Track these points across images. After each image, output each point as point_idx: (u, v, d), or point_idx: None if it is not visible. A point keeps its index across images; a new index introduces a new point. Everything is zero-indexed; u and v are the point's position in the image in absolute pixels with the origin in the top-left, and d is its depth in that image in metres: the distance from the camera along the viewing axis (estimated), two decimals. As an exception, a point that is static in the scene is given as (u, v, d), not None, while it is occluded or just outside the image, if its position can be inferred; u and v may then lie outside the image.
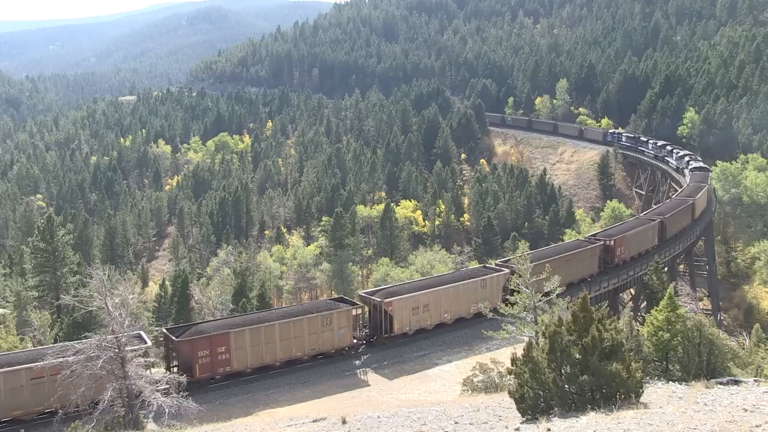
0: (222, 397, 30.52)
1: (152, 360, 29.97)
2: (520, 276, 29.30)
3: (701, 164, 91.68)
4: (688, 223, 66.39)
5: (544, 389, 16.85)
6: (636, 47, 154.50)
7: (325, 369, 33.89)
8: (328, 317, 34.58)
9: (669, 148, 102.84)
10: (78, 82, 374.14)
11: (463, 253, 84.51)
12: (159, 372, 30.05)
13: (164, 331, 33.07)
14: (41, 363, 25.29)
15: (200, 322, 35.68)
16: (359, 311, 36.56)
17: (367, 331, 37.26)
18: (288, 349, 33.50)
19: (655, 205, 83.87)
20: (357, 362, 34.98)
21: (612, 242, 50.99)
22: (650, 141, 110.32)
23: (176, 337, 31.36)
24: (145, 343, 29.70)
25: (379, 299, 36.69)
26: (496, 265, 44.39)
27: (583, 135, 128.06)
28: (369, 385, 32.24)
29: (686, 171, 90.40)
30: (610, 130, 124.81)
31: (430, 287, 39.17)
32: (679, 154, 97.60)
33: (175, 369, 30.86)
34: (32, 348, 33.90)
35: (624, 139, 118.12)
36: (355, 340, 35.83)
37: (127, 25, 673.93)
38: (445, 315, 38.87)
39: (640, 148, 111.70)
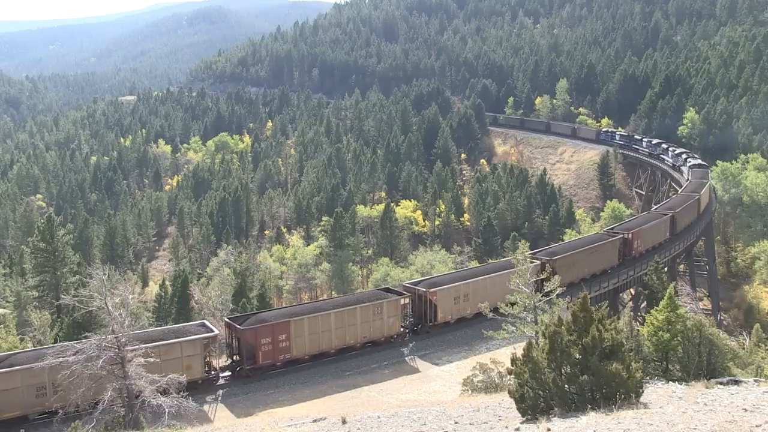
0: (222, 396, 30.53)
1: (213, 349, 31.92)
2: (520, 276, 29.31)
3: (699, 161, 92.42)
4: (695, 217, 68.90)
5: (544, 389, 16.85)
6: (636, 47, 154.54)
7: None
8: (379, 306, 36.16)
9: (664, 146, 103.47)
10: (78, 82, 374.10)
11: (463, 253, 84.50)
12: (222, 360, 33.19)
13: (227, 320, 34.24)
14: None
15: (261, 311, 37.17)
16: (407, 300, 38.22)
17: (411, 319, 38.60)
18: (342, 337, 34.99)
19: (655, 204, 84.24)
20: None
21: (630, 235, 53.32)
22: (644, 139, 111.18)
23: (240, 326, 32.52)
24: (212, 331, 31.58)
25: (424, 289, 38.31)
26: (530, 255, 45.68)
27: (576, 134, 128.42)
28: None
29: (684, 168, 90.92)
30: (603, 129, 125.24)
31: (469, 278, 41.11)
32: (676, 152, 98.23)
33: (236, 357, 32.69)
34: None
35: (618, 137, 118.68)
36: (402, 329, 37.27)
37: (127, 25, 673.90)
38: (483, 303, 39.87)
39: (634, 146, 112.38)
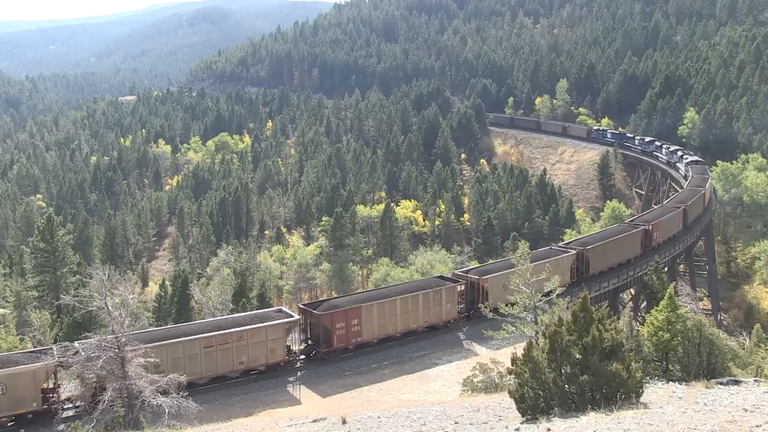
0: (222, 397, 30.51)
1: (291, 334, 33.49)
2: (520, 276, 29.31)
3: (696, 158, 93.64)
4: (701, 210, 72.16)
5: (544, 389, 16.85)
6: (636, 47, 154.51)
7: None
8: (439, 293, 38.19)
9: (658, 143, 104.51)
10: (78, 82, 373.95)
11: (463, 253, 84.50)
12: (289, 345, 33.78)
13: (301, 306, 36.18)
14: (213, 333, 30.45)
15: (332, 298, 39.87)
16: (463, 287, 39.90)
17: (462, 305, 40.35)
18: (406, 321, 37.02)
19: (655, 204, 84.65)
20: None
21: (650, 227, 56.09)
22: (637, 137, 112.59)
23: (316, 311, 34.46)
24: (291, 316, 33.22)
25: (476, 277, 40.39)
26: (562, 247, 50.55)
27: (566, 132, 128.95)
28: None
29: (680, 165, 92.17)
30: (594, 127, 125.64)
31: (514, 266, 42.59)
32: (671, 149, 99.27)
33: (310, 341, 34.54)
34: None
35: (609, 135, 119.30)
36: (458, 314, 39.52)
37: (127, 25, 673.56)
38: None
39: (626, 144, 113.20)
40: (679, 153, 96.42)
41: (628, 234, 53.66)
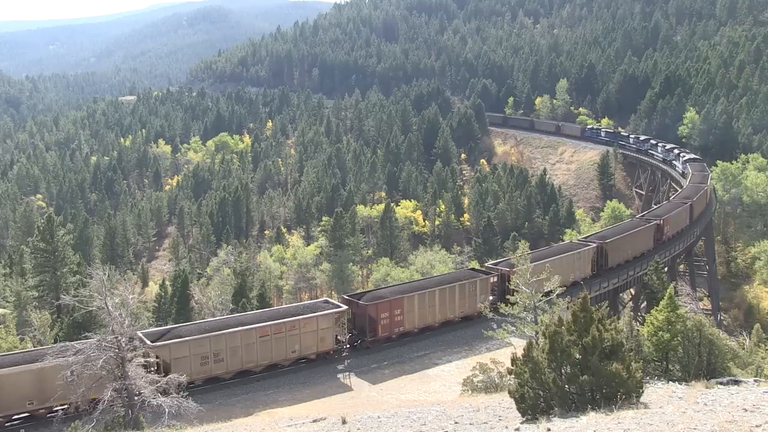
0: (222, 397, 30.52)
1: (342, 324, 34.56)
2: (520, 276, 29.32)
3: (693, 155, 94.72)
4: (705, 205, 74.70)
5: (544, 389, 16.85)
6: (636, 47, 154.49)
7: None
8: (474, 284, 39.47)
9: (653, 141, 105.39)
10: (78, 82, 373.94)
11: (463, 253, 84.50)
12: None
13: (346, 297, 37.31)
14: (268, 323, 31.95)
15: (373, 289, 41.51)
16: (495, 279, 41.12)
17: (491, 297, 40.98)
18: (444, 312, 38.07)
19: (655, 204, 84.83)
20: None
21: (662, 221, 58.38)
22: (631, 136, 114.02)
23: (361, 302, 35.70)
24: (338, 307, 34.52)
25: (506, 269, 41.18)
26: (582, 241, 52.68)
27: (560, 131, 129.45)
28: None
29: (677, 162, 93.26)
30: (588, 126, 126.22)
31: (543, 258, 44.32)
32: (666, 147, 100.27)
33: (354, 331, 35.45)
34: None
35: (603, 134, 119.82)
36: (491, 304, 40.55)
37: (127, 25, 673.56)
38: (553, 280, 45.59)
39: (620, 142, 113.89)
40: (676, 151, 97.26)
41: (642, 228, 55.73)
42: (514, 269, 39.97)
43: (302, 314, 33.39)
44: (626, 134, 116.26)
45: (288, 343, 32.56)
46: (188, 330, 31.51)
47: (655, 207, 73.95)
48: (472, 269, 44.34)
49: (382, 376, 33.40)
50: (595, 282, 47.85)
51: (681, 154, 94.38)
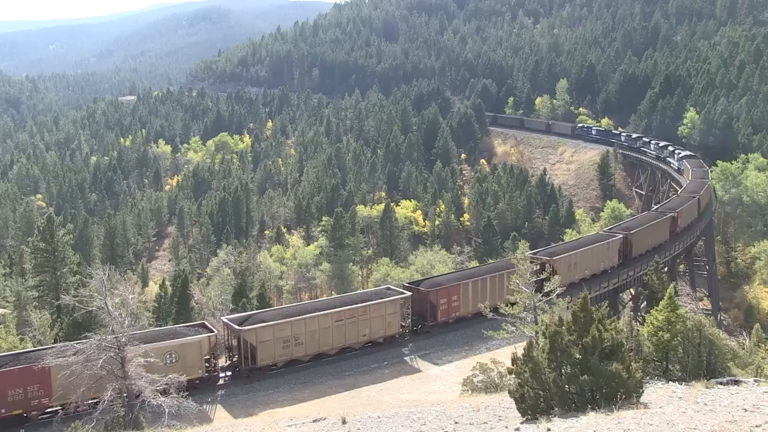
0: (222, 396, 30.53)
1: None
2: (520, 276, 29.31)
3: (688, 152, 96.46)
4: (708, 199, 78.26)
5: (544, 389, 16.85)
6: (636, 47, 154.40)
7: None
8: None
9: (645, 139, 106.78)
10: (78, 82, 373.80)
11: (463, 253, 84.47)
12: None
13: (406, 284, 39.66)
14: (343, 308, 34.31)
15: (431, 277, 43.58)
16: (538, 266, 42.89)
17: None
18: (493, 298, 38.58)
19: (655, 204, 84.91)
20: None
21: (676, 214, 61.47)
22: (623, 133, 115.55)
23: (421, 288, 38.22)
24: (402, 293, 36.96)
25: (546, 257, 44.66)
26: (608, 231, 56.49)
27: (550, 129, 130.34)
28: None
29: (672, 159, 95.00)
30: (579, 124, 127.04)
31: (576, 248, 48.63)
32: (660, 145, 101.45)
33: (413, 317, 37.49)
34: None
35: (594, 132, 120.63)
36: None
37: (127, 25, 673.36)
38: (586, 271, 48.86)
39: (611, 140, 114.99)
40: (670, 148, 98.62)
41: (660, 220, 59.17)
42: (554, 257, 44.93)
43: (370, 300, 35.72)
44: (617, 132, 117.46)
45: (359, 328, 34.80)
46: (270, 315, 33.94)
47: (667, 200, 76.69)
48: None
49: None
50: (623, 270, 51.65)
51: (676, 151, 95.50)
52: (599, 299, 46.25)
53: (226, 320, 33.28)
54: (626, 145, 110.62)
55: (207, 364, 30.72)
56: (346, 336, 34.41)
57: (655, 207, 70.40)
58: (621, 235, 52.23)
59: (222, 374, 31.83)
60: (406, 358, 34.76)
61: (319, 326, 33.39)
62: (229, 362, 32.70)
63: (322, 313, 33.76)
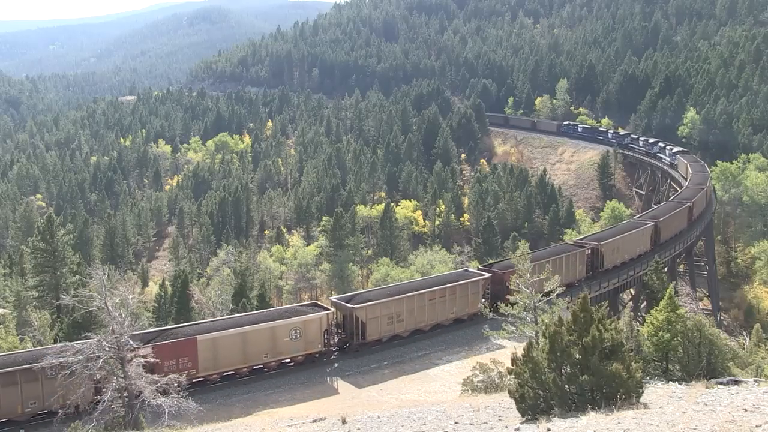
0: (222, 397, 30.51)
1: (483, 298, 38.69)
2: (520, 276, 29.29)
3: (680, 147, 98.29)
4: (712, 191, 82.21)
5: (544, 389, 16.85)
6: (636, 47, 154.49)
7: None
8: (574, 256, 46.21)
9: (633, 136, 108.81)
10: (78, 82, 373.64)
11: (463, 253, 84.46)
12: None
13: (482, 267, 43.53)
14: (436, 287, 37.34)
15: (500, 260, 46.77)
16: (589, 252, 47.85)
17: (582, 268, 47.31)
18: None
19: (655, 204, 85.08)
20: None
21: (692, 203, 65.73)
22: (610, 131, 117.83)
23: (498, 270, 40.96)
24: (481, 275, 39.97)
25: (596, 243, 49.00)
26: (639, 219, 60.83)
27: (536, 127, 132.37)
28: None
29: (664, 155, 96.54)
30: (565, 122, 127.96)
31: (616, 235, 52.60)
32: (649, 141, 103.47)
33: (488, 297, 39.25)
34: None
35: (581, 129, 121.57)
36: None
37: (127, 25, 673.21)
38: (625, 255, 52.50)
39: (598, 137, 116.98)
40: (660, 144, 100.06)
41: (681, 209, 63.32)
42: (602, 243, 49.21)
43: (456, 281, 38.62)
44: (604, 129, 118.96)
45: (448, 306, 37.77)
46: (375, 294, 37.13)
47: (681, 190, 78.62)
48: (566, 243, 53.11)
49: (372, 377, 33.96)
50: (652, 258, 52.09)
51: (667, 147, 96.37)
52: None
53: (335, 299, 36.60)
54: (614, 143, 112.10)
55: (324, 339, 33.37)
56: (438, 313, 37.33)
57: (672, 197, 74.52)
58: (652, 223, 56.52)
59: (335, 349, 34.47)
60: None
61: (416, 304, 36.42)
62: (337, 339, 34.99)
63: (419, 291, 36.83)
